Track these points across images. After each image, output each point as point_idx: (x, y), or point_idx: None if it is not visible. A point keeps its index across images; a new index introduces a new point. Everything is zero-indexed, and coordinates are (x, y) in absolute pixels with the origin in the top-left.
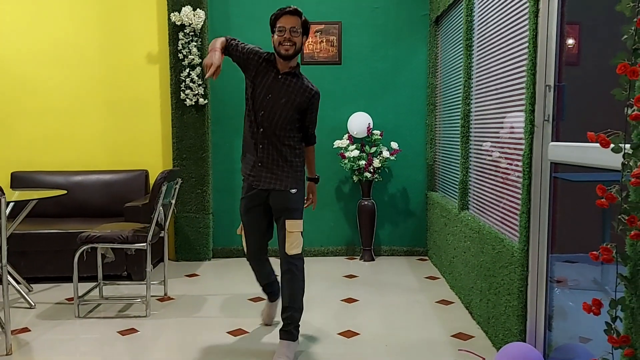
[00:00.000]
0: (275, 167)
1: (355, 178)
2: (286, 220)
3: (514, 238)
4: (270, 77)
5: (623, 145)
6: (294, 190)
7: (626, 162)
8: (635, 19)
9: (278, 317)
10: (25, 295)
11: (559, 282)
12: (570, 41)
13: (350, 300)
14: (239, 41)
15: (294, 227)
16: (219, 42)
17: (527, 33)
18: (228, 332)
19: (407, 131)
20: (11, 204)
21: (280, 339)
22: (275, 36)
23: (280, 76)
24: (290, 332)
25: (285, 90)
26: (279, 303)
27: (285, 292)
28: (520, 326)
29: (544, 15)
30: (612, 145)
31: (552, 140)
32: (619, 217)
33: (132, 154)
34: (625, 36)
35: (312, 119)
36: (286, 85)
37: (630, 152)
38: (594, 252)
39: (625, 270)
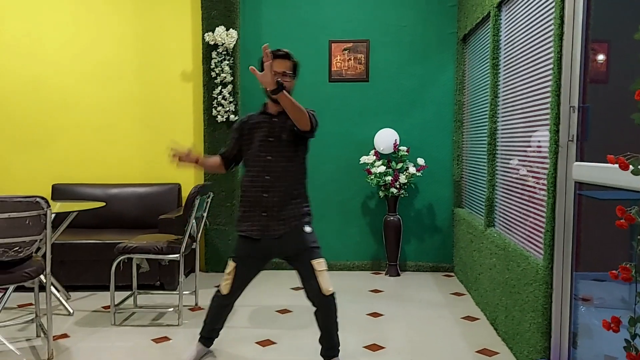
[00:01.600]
0: (285, 209)
1: (381, 194)
2: (312, 262)
3: (539, 255)
4: (264, 123)
5: None
6: (308, 229)
7: None
8: None
9: None
10: (64, 303)
11: (585, 300)
12: (601, 57)
13: (375, 315)
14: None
15: (322, 266)
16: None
17: (552, 55)
18: (257, 343)
19: (433, 148)
20: (53, 215)
21: None
22: None
23: (275, 119)
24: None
25: (282, 126)
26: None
27: (323, 328)
28: (544, 343)
29: (569, 39)
30: (631, 168)
31: (576, 160)
32: (639, 237)
33: (165, 169)
34: None
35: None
36: (283, 122)
37: None
38: (614, 272)
39: None
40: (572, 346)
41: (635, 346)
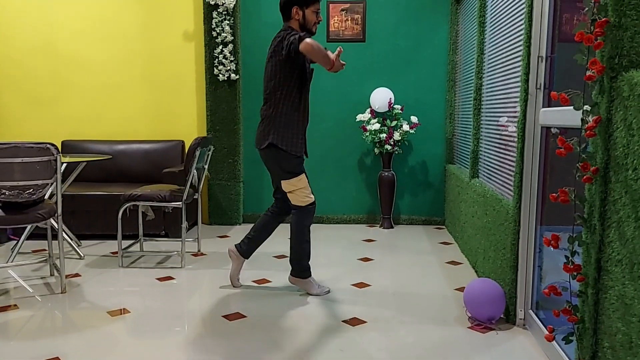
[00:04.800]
0: None
1: (376, 150)
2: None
3: (511, 198)
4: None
5: (582, 103)
6: None
7: (584, 118)
8: None
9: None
10: (76, 248)
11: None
12: None
13: (366, 260)
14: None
15: None
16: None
17: (525, 9)
18: (254, 281)
19: (427, 106)
20: (64, 165)
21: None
22: (313, 16)
23: None
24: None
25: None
26: None
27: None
28: (512, 275)
29: None
30: (573, 103)
31: (543, 107)
32: (577, 165)
33: (169, 126)
34: (587, 8)
35: None
36: None
37: (589, 110)
38: (553, 194)
39: (584, 211)
40: (539, 279)
41: (573, 261)
